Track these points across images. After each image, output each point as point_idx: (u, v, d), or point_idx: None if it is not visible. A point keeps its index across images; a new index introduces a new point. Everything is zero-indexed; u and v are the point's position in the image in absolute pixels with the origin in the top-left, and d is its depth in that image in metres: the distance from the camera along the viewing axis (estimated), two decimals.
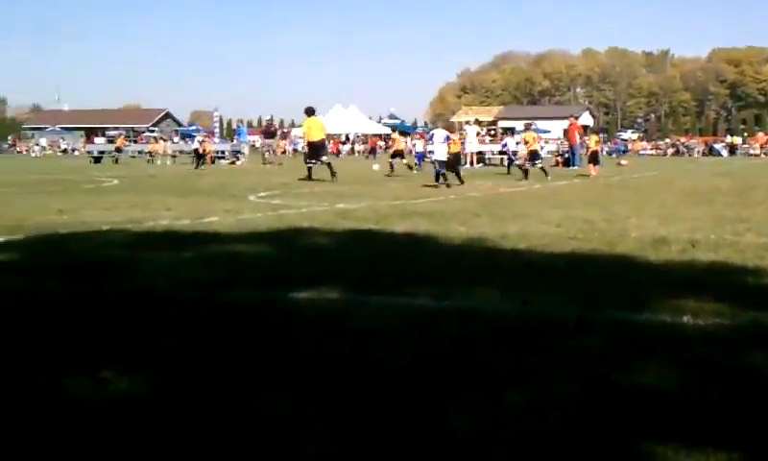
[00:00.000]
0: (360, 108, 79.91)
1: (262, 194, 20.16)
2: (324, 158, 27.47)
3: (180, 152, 55.27)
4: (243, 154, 51.39)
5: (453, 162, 25.33)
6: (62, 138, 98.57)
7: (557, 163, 42.86)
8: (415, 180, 24.98)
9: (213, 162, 47.24)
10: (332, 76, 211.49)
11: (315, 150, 27.66)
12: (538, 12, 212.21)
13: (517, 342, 5.40)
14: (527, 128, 30.69)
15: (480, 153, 43.71)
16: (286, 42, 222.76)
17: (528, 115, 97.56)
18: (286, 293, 7.03)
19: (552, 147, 56.51)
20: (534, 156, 28.31)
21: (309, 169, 26.80)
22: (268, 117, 64.73)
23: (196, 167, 38.76)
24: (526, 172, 27.27)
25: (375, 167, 35.50)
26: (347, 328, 5.77)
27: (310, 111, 28.40)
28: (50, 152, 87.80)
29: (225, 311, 6.37)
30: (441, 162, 23.90)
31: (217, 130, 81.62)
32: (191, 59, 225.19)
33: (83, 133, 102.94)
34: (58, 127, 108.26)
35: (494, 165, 41.93)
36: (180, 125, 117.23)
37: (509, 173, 27.06)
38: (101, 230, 11.87)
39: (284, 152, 55.89)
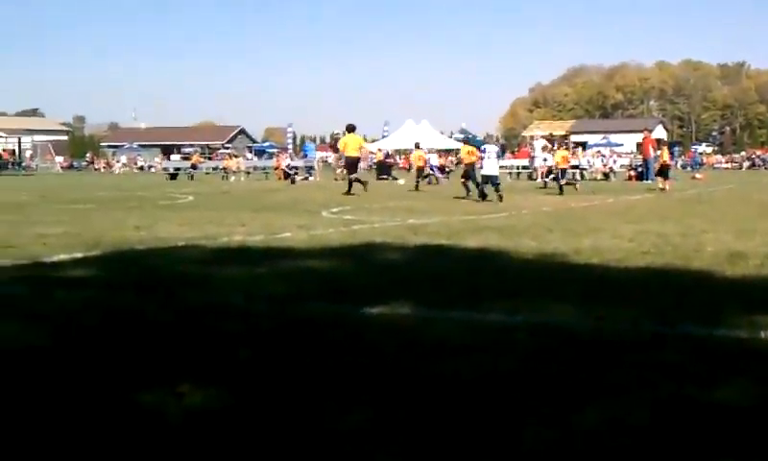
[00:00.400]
0: (432, 122, 79.88)
1: (335, 209, 20.30)
2: (354, 175, 28.69)
3: (254, 168, 55.86)
4: (314, 169, 51.80)
5: (467, 174, 26.25)
6: (139, 155, 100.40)
7: (630, 177, 42.44)
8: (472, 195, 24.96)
9: (286, 178, 47.81)
10: (404, 91, 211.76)
11: (351, 164, 29.15)
12: (610, 25, 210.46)
13: (592, 358, 5.36)
14: (560, 146, 31.15)
15: (550, 167, 43.54)
16: (359, 59, 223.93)
17: (601, 129, 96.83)
18: (359, 308, 7.06)
19: (625, 161, 55.84)
20: (563, 172, 29.24)
21: (350, 183, 28.14)
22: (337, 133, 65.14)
23: (292, 182, 39.27)
24: (561, 187, 27.88)
25: (401, 182, 36.00)
26: (420, 343, 5.78)
27: (350, 128, 29.91)
28: (127, 169, 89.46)
29: (299, 326, 6.43)
30: (490, 177, 24.17)
31: (290, 146, 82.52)
32: (266, 75, 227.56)
33: (159, 150, 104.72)
34: (135, 144, 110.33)
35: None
36: (254, 141, 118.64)
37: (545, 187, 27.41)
38: (176, 245, 12.07)
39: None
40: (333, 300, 7.54)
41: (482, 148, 26.29)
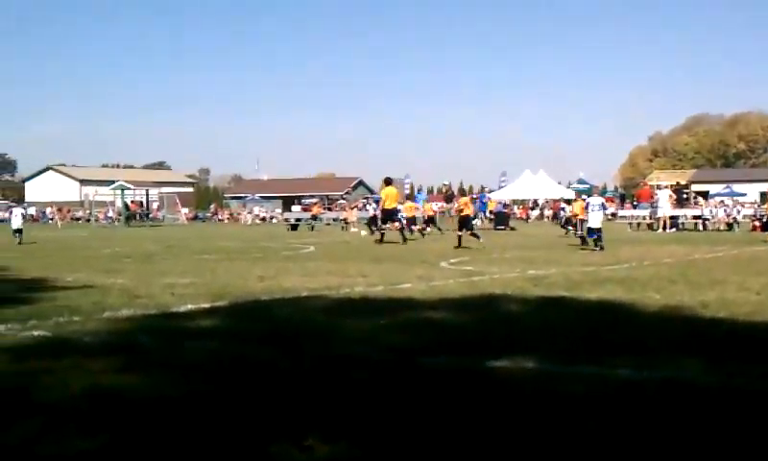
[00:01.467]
0: (549, 173, 79.33)
1: (453, 260, 20.33)
2: (397, 224, 30.15)
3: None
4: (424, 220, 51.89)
5: (462, 224, 27.29)
6: (261, 206, 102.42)
7: (754, 228, 41.28)
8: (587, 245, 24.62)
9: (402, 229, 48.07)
10: (522, 140, 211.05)
11: (388, 215, 30.15)
12: (731, 74, 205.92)
13: (722, 416, 5.26)
14: (577, 198, 30.25)
15: (673, 217, 42.73)
16: (476, 110, 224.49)
17: (722, 178, 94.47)
18: (482, 360, 7.08)
19: (748, 211, 54.34)
20: (583, 223, 27.49)
21: (382, 233, 29.46)
22: (458, 183, 65.31)
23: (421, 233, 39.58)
24: (583, 239, 26.83)
25: (363, 233, 36.45)
26: (545, 399, 5.76)
27: (388, 181, 30.98)
28: (254, 219, 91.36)
29: (423, 377, 6.48)
30: (593, 229, 24.59)
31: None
32: (385, 127, 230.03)
33: (280, 201, 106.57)
34: (257, 195, 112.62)
35: (688, 230, 41.09)
36: (372, 192, 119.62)
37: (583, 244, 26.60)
38: (300, 296, 12.28)
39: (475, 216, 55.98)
40: (456, 352, 7.57)
41: (586, 201, 26.87)
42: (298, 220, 57.29)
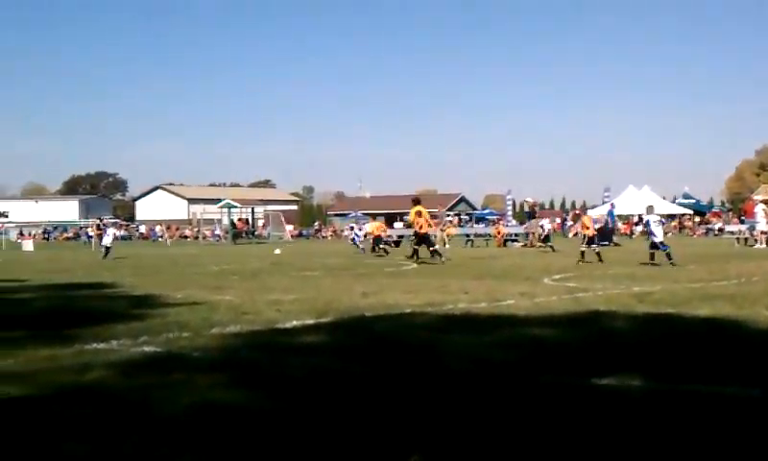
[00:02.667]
0: (653, 188, 77.91)
1: (556, 276, 20.16)
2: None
3: (476, 235, 56.18)
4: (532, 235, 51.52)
5: (421, 240, 28.89)
6: (365, 223, 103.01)
7: None
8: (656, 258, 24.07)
9: (505, 244, 48.04)
10: (625, 156, 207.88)
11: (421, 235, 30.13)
12: None
13: None
14: (583, 212, 29.59)
15: None
16: (575, 124, 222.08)
17: None
18: (587, 378, 7.03)
19: None
20: (591, 240, 27.82)
21: (415, 251, 29.23)
22: (561, 199, 64.57)
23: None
24: (582, 253, 26.83)
25: (277, 251, 36.44)
26: (653, 418, 5.70)
27: (416, 201, 31.05)
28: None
29: (527, 394, 6.46)
30: (656, 244, 24.76)
31: (510, 212, 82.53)
32: (486, 142, 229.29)
33: (383, 218, 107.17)
34: (359, 213, 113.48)
35: None
36: (474, 209, 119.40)
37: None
38: (403, 312, 12.35)
39: (575, 234, 55.19)
40: (560, 369, 7.53)
41: (645, 220, 27.40)
42: (400, 237, 57.47)
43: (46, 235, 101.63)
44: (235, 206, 79.69)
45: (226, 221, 77.70)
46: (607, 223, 50.66)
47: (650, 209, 26.98)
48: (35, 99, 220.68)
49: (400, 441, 5.19)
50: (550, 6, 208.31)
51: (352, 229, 49.16)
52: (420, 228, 29.55)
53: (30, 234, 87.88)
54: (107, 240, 38.07)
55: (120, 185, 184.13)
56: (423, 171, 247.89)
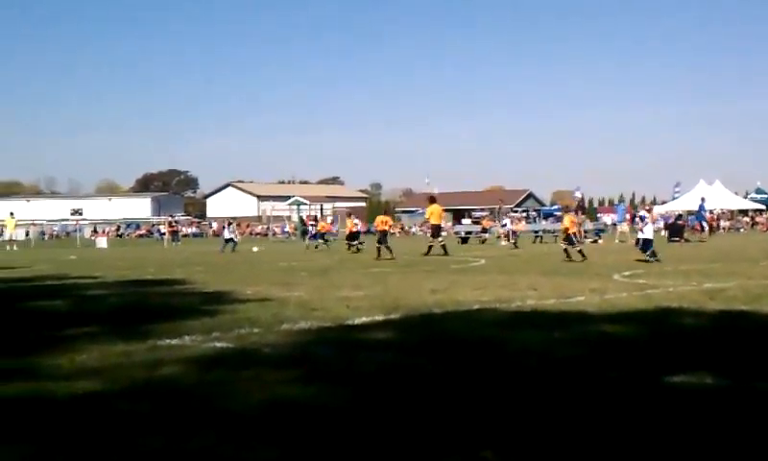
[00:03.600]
0: (725, 183, 76.46)
1: (626, 273, 19.95)
2: (440, 239, 32.22)
3: (545, 231, 55.80)
4: (603, 232, 51.16)
5: (380, 238, 32.09)
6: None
7: None
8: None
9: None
10: (695, 151, 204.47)
11: (435, 230, 32.77)
12: None
13: None
14: (566, 211, 29.20)
15: None
16: (646, 118, 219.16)
17: None
18: (658, 375, 6.97)
19: None
20: (571, 239, 27.11)
21: (429, 247, 31.97)
22: (630, 195, 63.84)
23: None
24: (566, 251, 26.50)
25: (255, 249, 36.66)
26: (726, 416, 5.63)
27: (432, 200, 34.19)
28: (421, 233, 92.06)
29: (596, 391, 6.43)
30: (645, 240, 25.48)
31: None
32: (553, 138, 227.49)
33: (450, 214, 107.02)
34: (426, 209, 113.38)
35: None
36: (542, 205, 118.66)
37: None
38: (472, 309, 12.34)
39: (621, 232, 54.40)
40: (630, 366, 7.46)
41: (641, 215, 28.77)
42: (468, 233, 57.35)
43: (119, 233, 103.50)
44: (304, 203, 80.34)
45: (295, 218, 78.32)
46: (677, 218, 50.04)
47: (641, 207, 27.63)
48: (109, 98, 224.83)
49: (470, 437, 5.20)
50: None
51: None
52: (429, 219, 33.01)
53: (103, 232, 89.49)
54: (228, 234, 43.15)
55: (191, 183, 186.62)
56: (491, 167, 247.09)
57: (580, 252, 26.51)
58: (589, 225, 54.93)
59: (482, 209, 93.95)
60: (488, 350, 8.52)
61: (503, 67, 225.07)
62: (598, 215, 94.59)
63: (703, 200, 55.11)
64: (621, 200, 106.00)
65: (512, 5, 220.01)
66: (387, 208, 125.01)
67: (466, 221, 79.60)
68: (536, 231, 55.69)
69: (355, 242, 39.13)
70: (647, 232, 25.72)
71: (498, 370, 7.38)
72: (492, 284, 16.83)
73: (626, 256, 27.73)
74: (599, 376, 7.02)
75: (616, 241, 46.04)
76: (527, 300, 13.44)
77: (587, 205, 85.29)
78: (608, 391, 6.45)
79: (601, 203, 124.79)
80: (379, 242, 32.13)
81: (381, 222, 33.62)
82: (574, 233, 27.60)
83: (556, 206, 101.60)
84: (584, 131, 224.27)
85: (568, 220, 27.74)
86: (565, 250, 26.59)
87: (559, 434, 5.24)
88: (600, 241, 47.67)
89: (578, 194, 61.20)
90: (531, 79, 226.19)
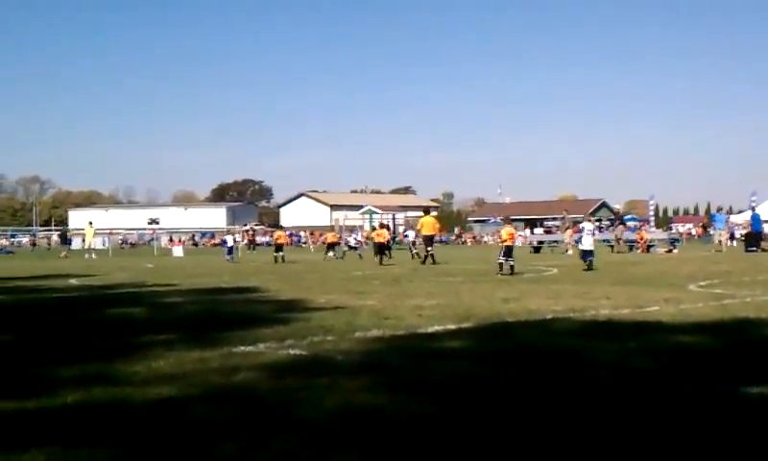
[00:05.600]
0: None
1: (702, 283, 19.66)
2: (429, 249, 34.38)
3: (627, 240, 55.24)
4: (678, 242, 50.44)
5: (379, 249, 36.46)
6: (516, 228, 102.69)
7: None
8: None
9: (648, 250, 47.20)
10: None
11: (427, 240, 35.21)
12: None
13: None
14: (506, 223, 28.26)
15: None
16: (722, 127, 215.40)
17: None
18: (737, 387, 6.86)
19: None
20: (508, 251, 25.61)
21: (425, 256, 34.45)
22: (705, 204, 62.72)
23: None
24: (500, 265, 25.29)
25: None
26: None
27: (426, 211, 38.23)
28: (492, 243, 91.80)
29: (675, 402, 6.36)
30: (585, 252, 27.61)
31: (652, 218, 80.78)
32: (627, 149, 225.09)
33: (522, 223, 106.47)
34: (500, 218, 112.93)
35: None
36: (614, 213, 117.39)
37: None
38: (545, 318, 12.27)
39: (720, 242, 53.32)
40: (707, 377, 7.36)
41: (580, 226, 30.89)
42: (540, 242, 57.03)
43: (195, 241, 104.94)
44: (376, 213, 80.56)
45: (367, 227, 78.63)
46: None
47: (585, 217, 28.38)
48: (185, 109, 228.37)
49: (543, 447, 5.18)
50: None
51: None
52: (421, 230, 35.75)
53: (179, 240, 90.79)
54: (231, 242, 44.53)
55: (265, 193, 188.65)
56: (564, 176, 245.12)
57: (512, 266, 25.38)
58: (663, 234, 54.21)
59: (554, 218, 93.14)
60: (561, 359, 8.46)
61: (577, 75, 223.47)
62: (672, 225, 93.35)
63: (753, 209, 54.05)
64: (696, 210, 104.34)
65: (586, 13, 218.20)
66: (459, 218, 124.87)
67: (538, 230, 79.06)
68: (608, 241, 55.04)
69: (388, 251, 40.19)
70: (586, 244, 27.56)
71: (572, 380, 7.33)
72: (565, 294, 16.71)
73: (702, 267, 27.32)
74: (675, 388, 6.94)
75: (713, 251, 45.30)
76: (601, 309, 13.33)
77: (660, 214, 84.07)
78: (684, 402, 6.37)
79: (675, 212, 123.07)
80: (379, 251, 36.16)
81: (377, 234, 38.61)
82: (508, 246, 25.96)
83: (630, 216, 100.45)
84: (658, 139, 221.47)
85: (506, 233, 26.22)
86: (500, 263, 25.41)
87: (634, 446, 5.20)
88: (675, 251, 47.04)
89: (617, 206, 60.78)
90: (605, 87, 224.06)
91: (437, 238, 44.87)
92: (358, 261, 39.39)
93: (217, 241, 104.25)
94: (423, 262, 33.76)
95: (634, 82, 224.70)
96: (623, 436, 5.39)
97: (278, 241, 42.80)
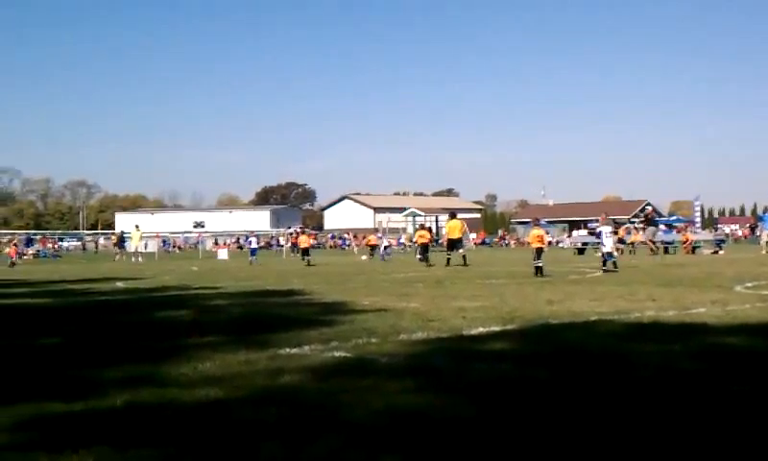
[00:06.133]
0: None
1: (749, 284, 19.46)
2: (461, 251, 35.00)
3: (662, 242, 54.76)
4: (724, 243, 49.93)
5: (423, 250, 37.28)
6: (547, 231, 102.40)
7: None
8: None
9: (693, 252, 46.78)
10: None
11: (452, 244, 35.52)
12: None
13: None
14: (534, 225, 29.06)
15: None
16: (763, 129, 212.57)
17: None
18: None
19: None
20: (539, 253, 26.63)
21: (448, 259, 34.58)
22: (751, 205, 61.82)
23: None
24: (421, 260, 27.70)
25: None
26: None
27: (452, 215, 36.84)
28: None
29: (722, 404, 6.32)
30: (606, 253, 27.95)
31: (698, 219, 79.99)
32: (671, 149, 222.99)
33: (566, 225, 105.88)
34: (543, 220, 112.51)
35: None
36: (660, 215, 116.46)
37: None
38: (589, 320, 12.22)
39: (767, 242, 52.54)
40: (754, 380, 7.31)
41: (598, 231, 31.25)
42: (584, 244, 56.69)
43: (240, 244, 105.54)
44: (419, 215, 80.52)
45: (410, 230, 78.63)
46: None
47: (608, 222, 29.44)
48: (230, 113, 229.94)
49: (588, 449, 5.18)
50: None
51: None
52: (448, 235, 35.76)
53: (224, 243, 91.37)
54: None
55: (309, 195, 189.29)
56: (608, 177, 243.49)
57: (537, 268, 25.90)
58: (709, 235, 53.68)
59: (597, 220, 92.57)
60: (606, 361, 8.44)
61: (621, 75, 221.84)
62: (719, 226, 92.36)
63: (765, 210, 53.45)
64: (743, 210, 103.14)
65: (631, 11, 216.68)
66: (502, 220, 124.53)
67: (581, 232, 78.59)
68: (653, 242, 54.56)
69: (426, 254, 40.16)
70: (607, 245, 27.87)
71: (617, 382, 7.31)
72: (610, 295, 16.62)
73: (749, 268, 27.03)
74: (721, 390, 6.89)
75: (764, 252, 44.74)
76: (646, 311, 13.24)
77: (706, 214, 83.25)
78: (731, 404, 6.33)
79: (722, 213, 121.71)
80: (448, 249, 35.62)
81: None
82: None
83: (674, 217, 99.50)
84: (704, 139, 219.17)
85: (533, 236, 28.08)
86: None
87: (680, 448, 5.18)
88: (721, 252, 46.56)
89: (648, 208, 60.27)
90: (650, 87, 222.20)
91: (466, 240, 45.06)
92: (400, 264, 39.31)
93: (262, 244, 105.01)
94: (447, 264, 33.76)
95: (679, 81, 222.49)
96: (668, 438, 5.38)
97: (302, 245, 43.35)
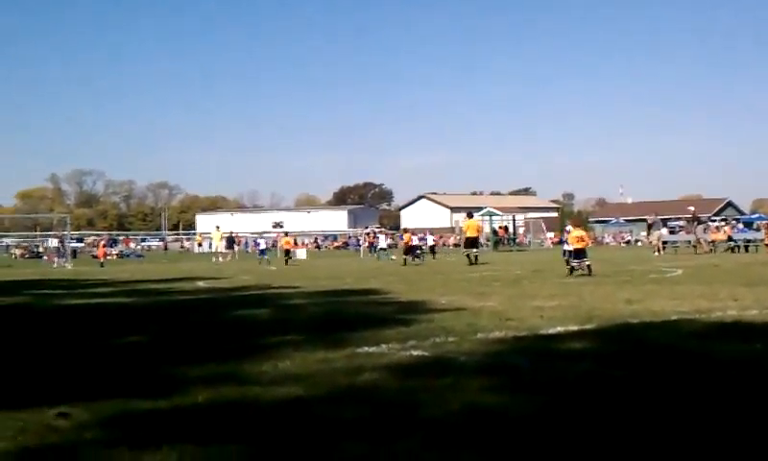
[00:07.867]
0: None
1: None
2: (474, 250, 37.01)
3: (745, 240, 53.71)
4: None
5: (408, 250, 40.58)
6: (626, 230, 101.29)
7: None
8: None
9: None
10: None
11: (469, 243, 37.81)
12: None
13: None
14: (574, 226, 28.73)
15: None
16: None
17: None
18: None
19: None
20: (578, 253, 26.34)
21: (468, 256, 36.74)
22: None
23: None
24: (571, 269, 26.16)
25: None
26: None
27: (470, 215, 40.09)
28: (614, 243, 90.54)
29: None
30: (569, 252, 27.07)
31: None
32: (756, 144, 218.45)
33: (645, 224, 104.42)
34: (621, 219, 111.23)
35: None
36: (741, 213, 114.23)
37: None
38: (669, 319, 12.07)
39: None
40: None
41: (566, 228, 30.48)
42: (664, 243, 55.80)
43: (318, 244, 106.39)
44: (496, 214, 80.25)
45: (487, 229, 78.36)
46: None
47: (568, 222, 28.93)
48: (307, 114, 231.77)
49: (670, 449, 5.14)
50: None
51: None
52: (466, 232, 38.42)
53: (303, 243, 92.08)
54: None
55: (386, 195, 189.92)
56: (688, 175, 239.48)
57: (572, 269, 26.17)
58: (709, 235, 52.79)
59: (677, 218, 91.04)
60: (687, 361, 8.34)
61: (700, 72, 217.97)
62: None
63: None
64: None
65: (708, 16, 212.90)
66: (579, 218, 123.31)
67: (663, 230, 77.43)
68: (734, 240, 53.44)
69: (411, 255, 41.24)
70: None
71: (700, 382, 7.22)
72: (690, 295, 16.38)
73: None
74: None
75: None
76: (728, 310, 13.03)
77: None
78: None
79: None
80: (465, 247, 38.32)
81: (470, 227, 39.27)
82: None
83: (756, 215, 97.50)
84: None
85: (572, 237, 27.42)
86: (571, 267, 26.36)
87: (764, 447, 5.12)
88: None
89: (691, 208, 58.84)
90: (728, 85, 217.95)
91: (543, 237, 45.17)
92: (465, 265, 39.21)
93: (340, 243, 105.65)
94: (471, 264, 35.02)
95: (758, 76, 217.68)
96: (749, 436, 5.31)
97: (286, 246, 44.93)
